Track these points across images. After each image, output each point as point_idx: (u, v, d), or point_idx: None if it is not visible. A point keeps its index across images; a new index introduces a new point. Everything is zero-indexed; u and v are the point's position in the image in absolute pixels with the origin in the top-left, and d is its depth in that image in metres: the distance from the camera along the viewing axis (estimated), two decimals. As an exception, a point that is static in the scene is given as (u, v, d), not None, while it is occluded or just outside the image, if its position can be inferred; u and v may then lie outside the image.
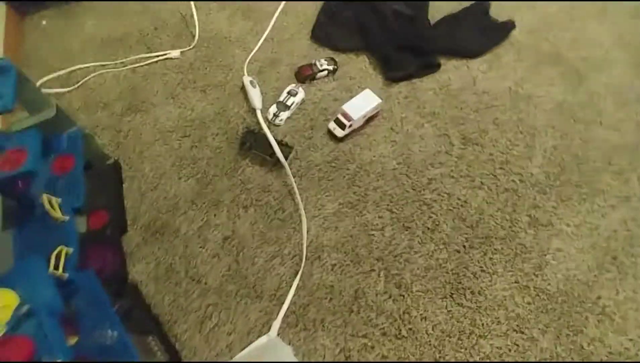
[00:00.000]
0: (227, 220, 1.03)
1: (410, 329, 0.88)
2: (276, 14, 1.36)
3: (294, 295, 0.92)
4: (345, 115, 1.08)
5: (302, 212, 1.01)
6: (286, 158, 1.05)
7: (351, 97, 1.13)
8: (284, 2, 1.38)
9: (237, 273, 0.96)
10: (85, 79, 1.25)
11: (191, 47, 1.30)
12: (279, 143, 1.07)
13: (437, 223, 1.01)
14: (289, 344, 0.87)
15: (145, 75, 1.26)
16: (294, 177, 1.05)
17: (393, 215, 1.02)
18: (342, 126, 1.09)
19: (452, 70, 1.24)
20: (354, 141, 1.12)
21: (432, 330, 0.88)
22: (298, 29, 1.34)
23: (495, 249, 0.97)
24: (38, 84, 1.22)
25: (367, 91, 1.12)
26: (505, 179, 1.06)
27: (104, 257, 0.95)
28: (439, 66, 1.22)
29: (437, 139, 1.12)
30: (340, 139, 1.11)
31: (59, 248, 0.72)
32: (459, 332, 0.87)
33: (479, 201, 1.03)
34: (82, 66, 1.28)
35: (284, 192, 1.05)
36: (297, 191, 1.03)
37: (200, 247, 0.99)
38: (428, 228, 1.00)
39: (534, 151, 1.11)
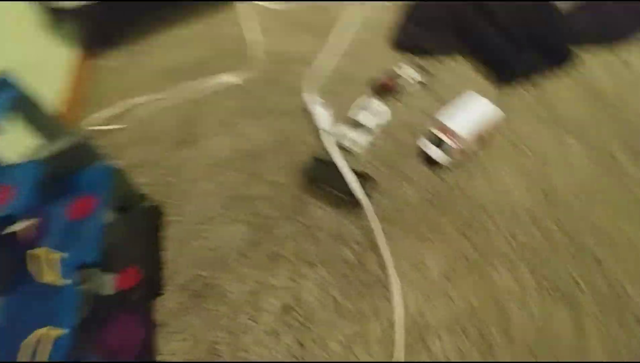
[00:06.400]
0: (289, 282, 0.74)
1: None
2: (345, 26, 1.14)
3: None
4: (446, 130, 0.77)
5: (393, 273, 0.69)
6: (368, 195, 0.76)
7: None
8: (356, 13, 1.17)
9: (301, 360, 0.65)
10: (138, 113, 1.12)
11: (253, 71, 1.13)
12: (358, 174, 0.79)
13: (620, 288, 0.62)
14: None
15: (202, 104, 1.10)
16: (379, 222, 0.75)
17: (539, 279, 0.65)
18: (441, 145, 0.78)
19: (596, 63, 0.89)
20: (462, 169, 0.80)
21: None
22: (374, 41, 1.12)
23: None
24: (92, 119, 1.12)
25: (476, 97, 0.81)
26: None
27: (127, 329, 0.71)
28: (575, 58, 0.88)
29: (593, 161, 0.76)
30: (441, 167, 0.80)
31: (40, 332, 0.48)
32: None
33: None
34: (137, 100, 1.16)
35: (366, 242, 0.75)
36: (384, 242, 0.72)
37: (252, 320, 0.71)
38: (605, 296, 0.61)
39: None
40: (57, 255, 0.57)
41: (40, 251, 0.55)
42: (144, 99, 1.16)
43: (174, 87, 1.16)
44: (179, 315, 0.75)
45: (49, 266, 0.55)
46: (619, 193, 0.72)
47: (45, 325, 0.50)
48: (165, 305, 0.77)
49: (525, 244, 0.70)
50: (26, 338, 0.49)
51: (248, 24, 1.26)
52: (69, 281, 0.57)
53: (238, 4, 1.27)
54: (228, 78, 1.13)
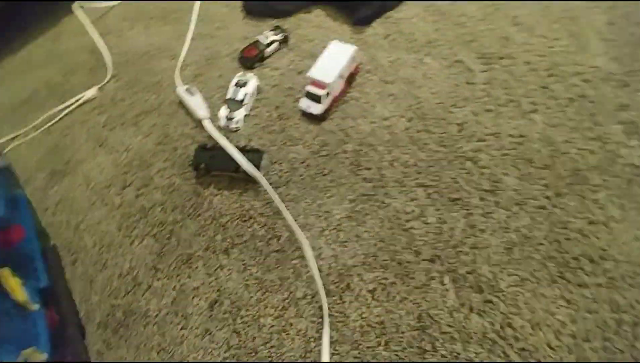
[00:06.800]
0: (208, 277, 0.72)
1: (523, 349, 0.55)
2: (196, 7, 1.08)
3: (333, 356, 0.61)
4: (317, 83, 0.78)
5: (299, 232, 0.70)
6: (258, 167, 0.76)
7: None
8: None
9: (242, 349, 0.65)
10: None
11: (108, 79, 1.03)
12: (244, 150, 0.78)
13: (495, 179, 0.69)
14: None
15: (64, 130, 0.99)
16: (275, 188, 0.75)
17: (430, 190, 0.70)
18: (316, 99, 0.79)
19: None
20: (340, 113, 0.82)
21: (557, 339, 0.55)
22: (226, 13, 1.06)
23: (595, 185, 0.65)
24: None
25: (334, 43, 0.82)
26: (564, 87, 0.74)
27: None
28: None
29: (448, 71, 0.82)
30: (321, 118, 0.81)
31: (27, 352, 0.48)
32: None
33: (539, 128, 0.71)
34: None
35: (270, 213, 0.75)
36: (283, 206, 0.72)
37: (182, 329, 0.69)
38: (486, 191, 0.68)
39: (586, 38, 0.79)
40: (19, 279, 0.51)
41: (4, 271, 0.49)
42: (1, 141, 1.02)
43: (32, 119, 1.04)
44: (107, 353, 0.71)
45: (17, 286, 0.50)
46: (473, 93, 0.79)
47: (29, 346, 0.48)
48: (90, 349, 0.72)
49: (410, 164, 0.74)
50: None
51: (95, 29, 1.15)
52: (37, 306, 0.54)
53: (78, 11, 1.14)
54: (89, 93, 1.02)
